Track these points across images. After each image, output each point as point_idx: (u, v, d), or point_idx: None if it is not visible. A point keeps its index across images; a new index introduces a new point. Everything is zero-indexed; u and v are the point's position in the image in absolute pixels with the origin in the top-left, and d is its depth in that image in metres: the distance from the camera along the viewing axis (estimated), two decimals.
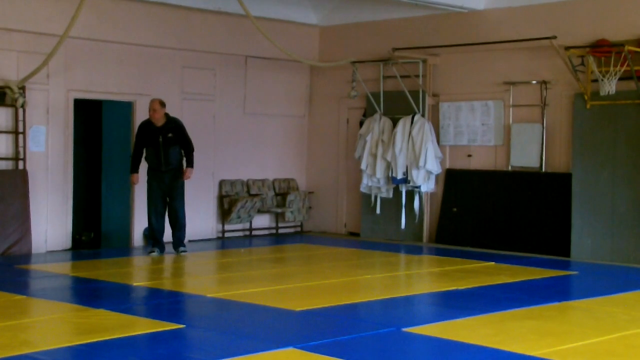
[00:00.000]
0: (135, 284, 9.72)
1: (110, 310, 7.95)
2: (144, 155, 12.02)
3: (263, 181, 14.98)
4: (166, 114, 11.91)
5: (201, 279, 10.40)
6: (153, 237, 12.12)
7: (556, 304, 8.73)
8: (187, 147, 11.95)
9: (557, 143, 12.88)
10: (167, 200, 12.06)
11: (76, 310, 8.09)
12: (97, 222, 13.77)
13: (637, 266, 11.69)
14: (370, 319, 8.03)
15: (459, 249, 13.21)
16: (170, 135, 11.81)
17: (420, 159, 13.54)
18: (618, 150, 12.12)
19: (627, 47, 11.49)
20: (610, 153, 12.18)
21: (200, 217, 13.84)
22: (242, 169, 14.68)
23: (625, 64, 11.61)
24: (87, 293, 9.24)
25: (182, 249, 12.08)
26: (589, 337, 7.19)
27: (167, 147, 11.79)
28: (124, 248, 13.04)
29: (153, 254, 11.89)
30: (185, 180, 12.05)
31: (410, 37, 14.24)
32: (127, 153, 13.26)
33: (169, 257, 11.79)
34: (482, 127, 13.62)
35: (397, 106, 14.12)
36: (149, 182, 12.04)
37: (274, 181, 15.18)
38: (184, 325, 7.39)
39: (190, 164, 12.01)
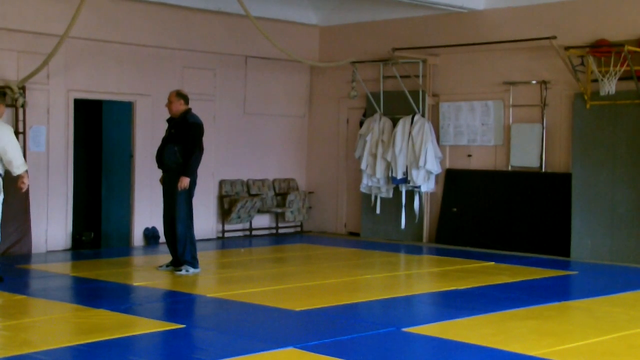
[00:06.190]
0: (135, 284, 9.71)
1: (110, 310, 7.94)
2: None
3: (263, 181, 14.98)
4: (187, 109, 10.42)
5: (201, 278, 10.39)
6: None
7: (556, 304, 8.74)
8: (185, 149, 10.22)
9: (557, 143, 12.88)
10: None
11: (76, 310, 8.10)
12: (97, 222, 13.76)
13: (637, 266, 11.68)
14: (370, 319, 8.03)
15: (459, 249, 13.21)
16: (172, 131, 10.37)
17: (420, 159, 13.54)
18: (618, 150, 12.12)
19: (627, 47, 11.49)
20: (610, 153, 12.17)
21: (200, 217, 13.78)
22: (242, 169, 14.68)
23: (625, 64, 11.61)
24: (87, 293, 9.24)
25: (177, 268, 10.43)
26: (589, 337, 7.19)
27: (164, 144, 10.39)
28: (124, 248, 13.04)
29: (160, 268, 10.57)
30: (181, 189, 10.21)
31: (410, 37, 14.23)
32: (127, 153, 13.27)
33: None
34: (482, 127, 13.61)
35: (397, 106, 14.12)
36: None
37: (274, 181, 15.18)
38: (184, 325, 7.39)
39: (183, 169, 10.18)
